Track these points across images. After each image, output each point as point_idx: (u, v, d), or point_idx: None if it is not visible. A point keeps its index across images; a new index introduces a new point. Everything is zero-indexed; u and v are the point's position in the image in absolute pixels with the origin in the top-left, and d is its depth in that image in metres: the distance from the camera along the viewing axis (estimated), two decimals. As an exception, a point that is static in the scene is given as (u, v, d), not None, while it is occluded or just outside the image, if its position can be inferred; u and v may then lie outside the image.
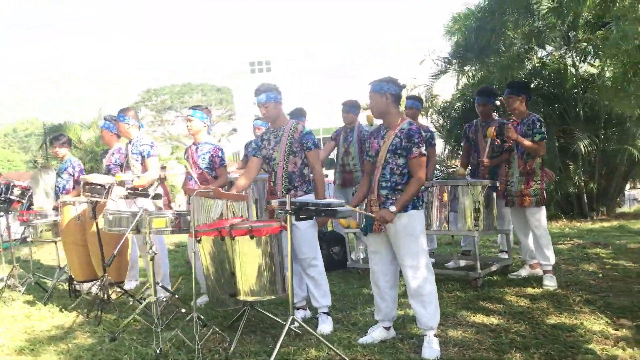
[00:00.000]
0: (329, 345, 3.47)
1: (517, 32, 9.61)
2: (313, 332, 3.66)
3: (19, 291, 5.72)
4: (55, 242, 5.96)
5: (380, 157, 3.64)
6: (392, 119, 3.65)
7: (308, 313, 4.36)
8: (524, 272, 5.31)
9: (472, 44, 10.42)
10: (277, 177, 4.13)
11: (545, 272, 5.00)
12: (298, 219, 3.32)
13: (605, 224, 8.99)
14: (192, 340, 3.62)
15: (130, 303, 4.87)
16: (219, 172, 4.85)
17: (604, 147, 9.94)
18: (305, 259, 4.06)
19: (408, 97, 6.75)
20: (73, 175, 6.40)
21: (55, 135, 6.66)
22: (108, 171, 5.78)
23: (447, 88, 12.44)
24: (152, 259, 3.94)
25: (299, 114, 6.57)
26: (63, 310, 4.99)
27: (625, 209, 12.47)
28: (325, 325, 4.02)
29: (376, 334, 3.74)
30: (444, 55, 11.55)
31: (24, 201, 5.84)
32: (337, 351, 3.42)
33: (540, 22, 9.41)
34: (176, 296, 4.73)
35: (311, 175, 4.22)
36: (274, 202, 3.40)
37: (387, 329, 3.79)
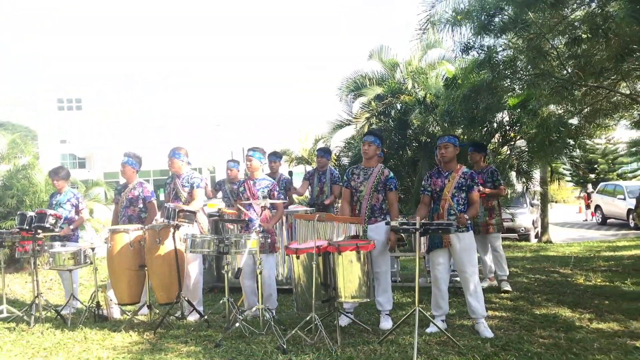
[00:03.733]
0: (447, 334, 4.65)
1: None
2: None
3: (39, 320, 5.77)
4: (70, 271, 6.10)
5: (445, 192, 4.93)
6: (454, 164, 5.01)
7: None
8: (484, 284, 6.92)
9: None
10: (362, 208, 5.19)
11: (501, 280, 6.69)
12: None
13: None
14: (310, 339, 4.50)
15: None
16: (277, 205, 5.71)
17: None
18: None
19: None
20: (76, 206, 6.68)
21: (54, 169, 6.85)
22: (130, 204, 6.29)
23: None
24: (260, 273, 4.75)
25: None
26: (115, 332, 5.31)
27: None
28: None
29: (439, 324, 4.93)
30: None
31: (57, 229, 5.97)
32: (449, 335, 4.62)
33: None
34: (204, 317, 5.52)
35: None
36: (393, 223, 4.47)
37: (444, 321, 5.03)
